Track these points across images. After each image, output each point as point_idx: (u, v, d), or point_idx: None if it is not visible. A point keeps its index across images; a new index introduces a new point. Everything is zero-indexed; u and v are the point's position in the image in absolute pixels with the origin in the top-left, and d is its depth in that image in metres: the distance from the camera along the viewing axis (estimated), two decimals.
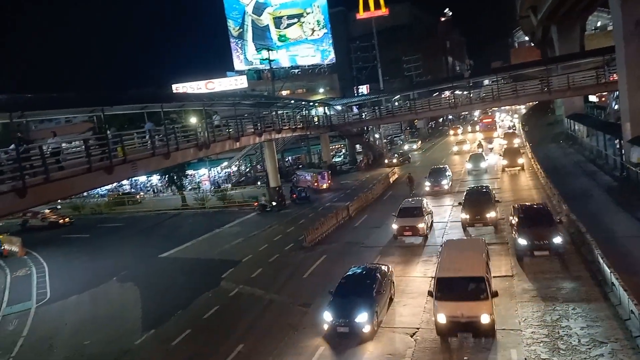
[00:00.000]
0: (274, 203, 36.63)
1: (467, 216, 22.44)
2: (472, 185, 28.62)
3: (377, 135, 63.51)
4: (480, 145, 50.30)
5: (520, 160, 37.16)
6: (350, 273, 16.12)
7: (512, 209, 20.74)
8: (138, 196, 51.44)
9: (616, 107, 42.93)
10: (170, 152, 23.17)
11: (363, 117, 55.04)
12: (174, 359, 14.50)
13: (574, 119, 49.14)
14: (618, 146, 31.51)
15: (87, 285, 22.75)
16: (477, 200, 23.15)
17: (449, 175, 34.66)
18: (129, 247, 30.36)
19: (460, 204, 23.88)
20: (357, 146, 60.92)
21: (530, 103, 76.75)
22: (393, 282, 16.38)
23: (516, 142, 49.17)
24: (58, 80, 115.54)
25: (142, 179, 56.48)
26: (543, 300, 14.69)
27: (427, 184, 33.77)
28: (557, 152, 46.02)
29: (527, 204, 21.39)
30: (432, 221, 24.47)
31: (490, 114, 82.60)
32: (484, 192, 24.51)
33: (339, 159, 63.52)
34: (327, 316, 14.20)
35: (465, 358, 12.27)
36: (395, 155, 54.54)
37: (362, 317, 13.56)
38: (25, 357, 16.06)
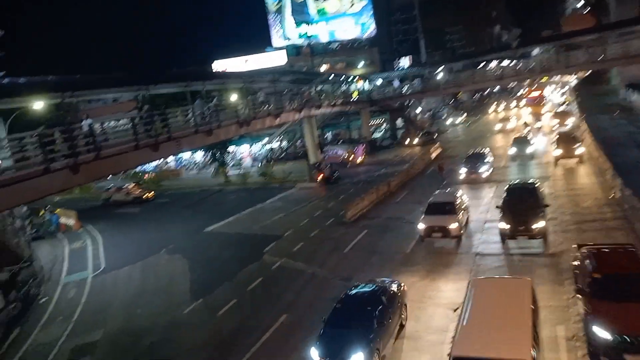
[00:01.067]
0: (335, 175, 36.85)
1: (508, 226, 17.29)
2: (515, 181, 22.99)
3: (418, 110, 62.16)
4: (526, 125, 45.32)
5: (579, 150, 29.24)
6: (350, 293, 13.13)
7: (578, 255, 13.08)
8: (146, 175, 51.96)
9: None
10: (213, 130, 23.70)
11: (404, 91, 53.91)
12: (221, 328, 15.08)
13: (632, 88, 46.36)
14: None
15: (138, 257, 23.86)
16: (521, 203, 17.90)
17: (488, 162, 30.18)
18: (175, 221, 31.48)
19: (498, 207, 18.57)
20: (398, 121, 59.99)
21: (581, 73, 72.57)
22: (405, 305, 13.36)
23: (569, 121, 42.52)
24: (100, 61, 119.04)
25: (187, 155, 58.03)
26: None
27: (463, 170, 29.47)
28: (611, 123, 43.61)
29: (604, 247, 13.02)
30: (468, 217, 20.72)
31: (537, 86, 77.59)
32: (529, 190, 19.18)
33: (379, 135, 62.84)
34: (314, 354, 11.35)
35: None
36: (419, 133, 52.16)
37: (356, 358, 10.84)
38: (84, 322, 17.16)
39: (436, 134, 52.73)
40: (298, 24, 70.82)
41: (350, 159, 43.90)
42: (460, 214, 19.35)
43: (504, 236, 17.67)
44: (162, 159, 49.28)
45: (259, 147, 58.87)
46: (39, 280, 21.58)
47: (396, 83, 58.59)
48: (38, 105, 20.27)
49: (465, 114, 68.18)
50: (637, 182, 21.22)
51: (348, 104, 46.88)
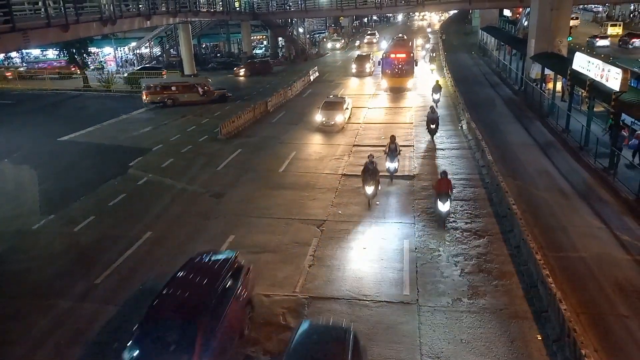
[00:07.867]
0: None
1: None
2: None
3: (301, 30, 61.14)
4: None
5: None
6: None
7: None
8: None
9: (526, 23, 45.03)
10: (70, 24, 20.73)
11: (288, 8, 52.22)
12: (78, 243, 14.11)
13: (486, 31, 50.98)
14: (521, 61, 33.81)
15: None
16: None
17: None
18: (22, 127, 27.66)
19: None
20: (280, 39, 58.51)
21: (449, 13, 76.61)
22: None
23: None
24: None
25: (36, 52, 50.42)
26: None
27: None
28: (469, 61, 47.99)
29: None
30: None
31: (405, 40, 42.35)
32: None
33: (260, 51, 60.95)
34: None
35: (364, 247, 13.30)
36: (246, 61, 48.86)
37: None
38: None
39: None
40: None
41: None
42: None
43: None
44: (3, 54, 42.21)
45: (126, 51, 53.48)
46: None
47: None
48: None
49: (342, 40, 68.68)
50: (484, 116, 24.31)
51: (229, 13, 44.08)
